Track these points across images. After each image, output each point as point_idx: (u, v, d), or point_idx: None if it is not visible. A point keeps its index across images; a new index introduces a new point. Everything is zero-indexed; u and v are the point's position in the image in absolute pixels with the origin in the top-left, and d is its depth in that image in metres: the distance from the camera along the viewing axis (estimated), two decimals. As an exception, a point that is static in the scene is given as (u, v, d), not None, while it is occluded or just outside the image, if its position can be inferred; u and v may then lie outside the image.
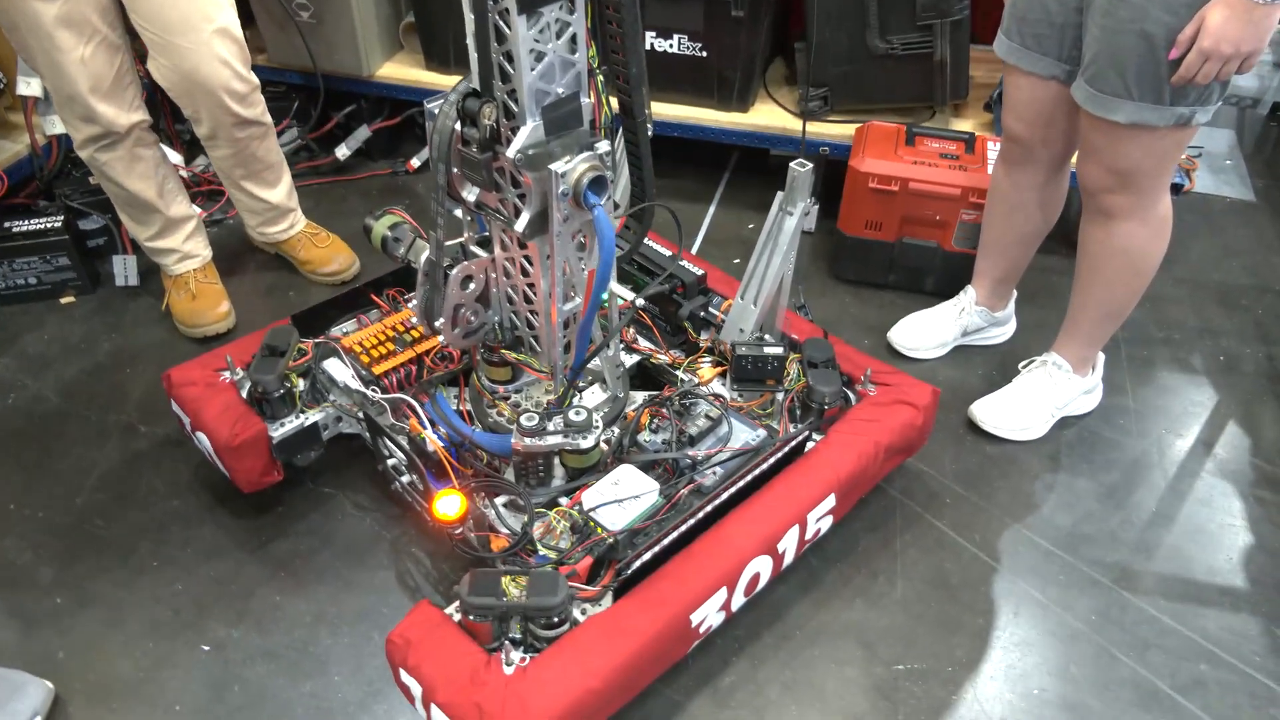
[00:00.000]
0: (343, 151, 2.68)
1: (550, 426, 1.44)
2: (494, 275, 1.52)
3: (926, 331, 2.06)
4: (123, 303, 2.20)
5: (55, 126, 2.19)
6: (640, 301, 1.47)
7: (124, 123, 1.87)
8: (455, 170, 1.36)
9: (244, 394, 1.63)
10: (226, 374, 1.66)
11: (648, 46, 2.35)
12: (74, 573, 1.60)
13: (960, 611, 1.56)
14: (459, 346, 1.59)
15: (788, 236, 1.61)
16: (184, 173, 2.46)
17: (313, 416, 1.65)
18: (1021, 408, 1.87)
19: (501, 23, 1.19)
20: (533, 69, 1.21)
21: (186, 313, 2.07)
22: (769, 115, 2.42)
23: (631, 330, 1.83)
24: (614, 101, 1.42)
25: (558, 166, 1.25)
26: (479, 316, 1.55)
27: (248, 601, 1.56)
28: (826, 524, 1.54)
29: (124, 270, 2.21)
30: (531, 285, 1.45)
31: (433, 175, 1.37)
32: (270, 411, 1.62)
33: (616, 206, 1.77)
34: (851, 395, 1.68)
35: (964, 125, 2.33)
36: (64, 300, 2.20)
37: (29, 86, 2.17)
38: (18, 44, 1.79)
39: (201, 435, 1.60)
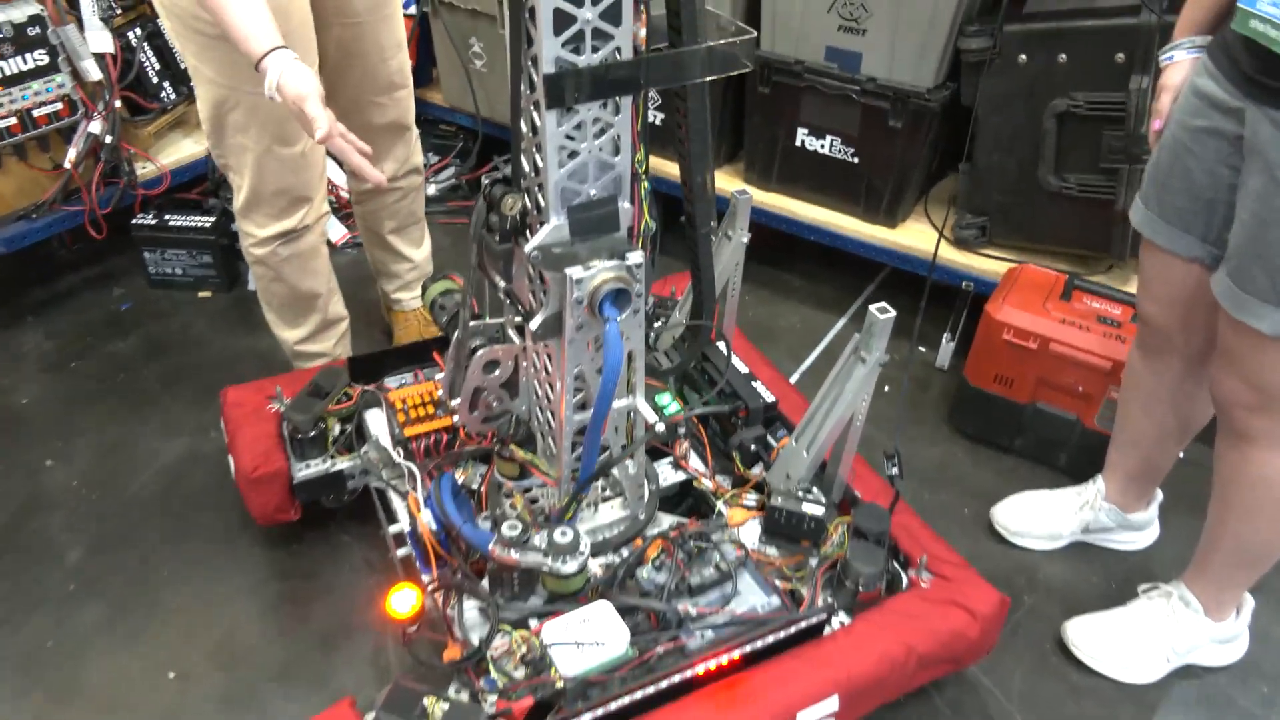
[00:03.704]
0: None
1: (535, 540, 1.33)
2: (524, 363, 1.44)
3: (1039, 516, 1.76)
4: (250, 306, 2.32)
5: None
6: (673, 416, 1.33)
7: (316, 215, 1.78)
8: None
9: (285, 427, 1.64)
10: (275, 403, 1.68)
11: (797, 142, 2.21)
12: (95, 563, 1.66)
13: None
14: (476, 431, 1.51)
15: (856, 385, 1.41)
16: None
17: (341, 464, 1.64)
18: (1130, 641, 1.53)
19: (535, 114, 1.11)
20: (561, 166, 1.11)
21: None
22: (918, 235, 2.19)
23: (686, 443, 1.68)
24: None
25: (574, 271, 1.15)
26: (502, 403, 1.47)
27: (230, 635, 1.55)
28: (825, 728, 1.31)
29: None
30: (553, 385, 1.35)
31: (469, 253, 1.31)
32: (299, 451, 1.62)
33: (649, 321, 1.65)
34: (903, 577, 1.44)
35: (1141, 286, 1.99)
36: (201, 294, 2.36)
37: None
38: (230, 146, 1.64)
39: (231, 459, 1.62)
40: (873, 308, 1.37)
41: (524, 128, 1.15)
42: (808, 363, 2.24)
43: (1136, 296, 1.48)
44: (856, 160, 2.15)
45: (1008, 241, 2.09)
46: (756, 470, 1.60)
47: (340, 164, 1.99)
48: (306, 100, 1.33)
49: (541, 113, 1.07)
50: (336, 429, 1.66)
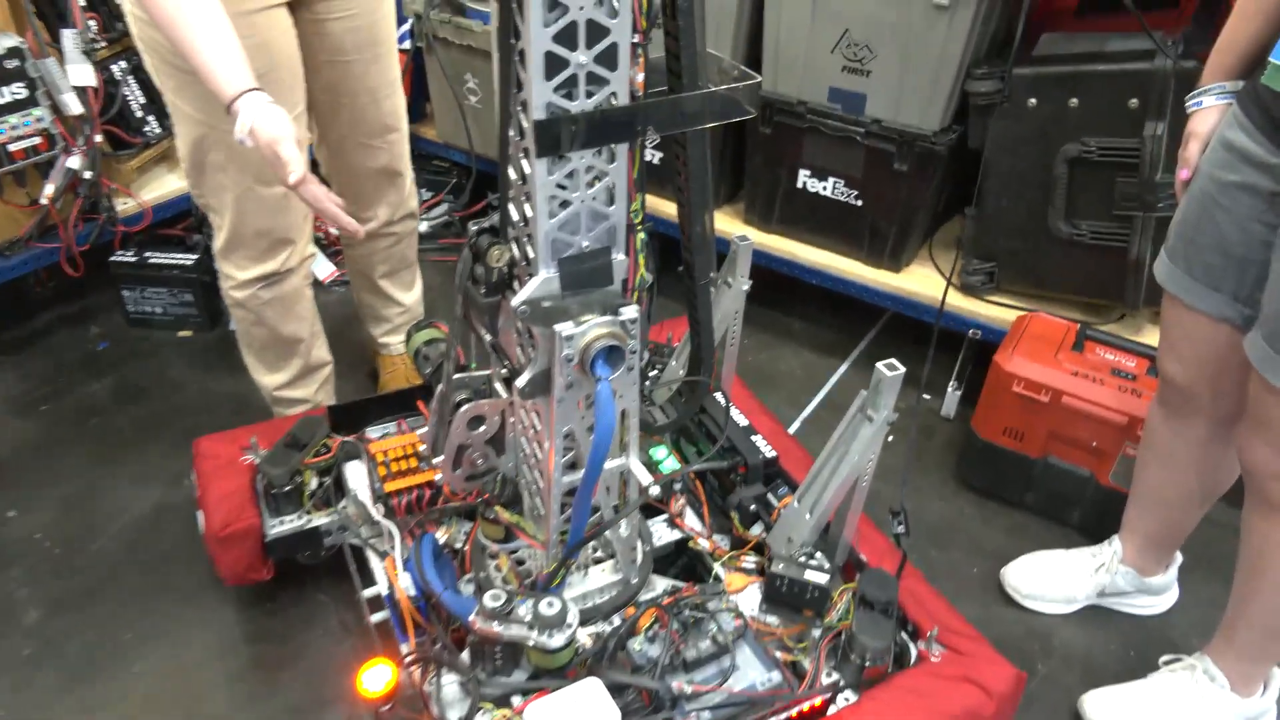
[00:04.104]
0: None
1: (519, 611, 1.24)
2: (511, 418, 1.36)
3: (1053, 578, 1.67)
4: (231, 346, 2.23)
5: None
6: (670, 475, 1.25)
7: (299, 258, 1.70)
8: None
9: (259, 481, 1.55)
10: (249, 455, 1.60)
11: (799, 183, 2.15)
12: (55, 625, 1.57)
13: None
14: (460, 490, 1.43)
15: (862, 446, 1.33)
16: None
17: (317, 520, 1.55)
18: (1152, 717, 1.44)
19: (524, 161, 1.04)
20: (552, 216, 1.04)
21: None
22: (923, 280, 2.13)
23: (683, 500, 1.60)
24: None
25: (564, 327, 1.08)
26: (488, 461, 1.38)
27: (196, 705, 1.45)
28: (831, 816, 1.21)
29: (236, 317, 2.27)
30: (541, 443, 1.27)
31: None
32: (274, 506, 1.53)
33: (643, 374, 1.57)
34: (912, 649, 1.35)
35: (1154, 338, 1.92)
36: (182, 334, 2.28)
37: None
38: (209, 185, 1.58)
39: (200, 515, 1.53)
40: (880, 365, 1.29)
41: (513, 175, 1.08)
42: (808, 410, 2.16)
43: (1158, 353, 1.41)
44: (860, 203, 2.09)
45: (1016, 288, 2.03)
46: (756, 531, 1.52)
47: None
48: (280, 143, 1.26)
49: (531, 160, 1.00)
50: (314, 483, 1.57)
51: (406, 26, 2.48)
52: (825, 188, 2.12)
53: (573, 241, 1.08)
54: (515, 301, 1.08)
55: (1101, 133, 1.76)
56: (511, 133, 1.05)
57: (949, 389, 2.10)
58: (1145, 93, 1.69)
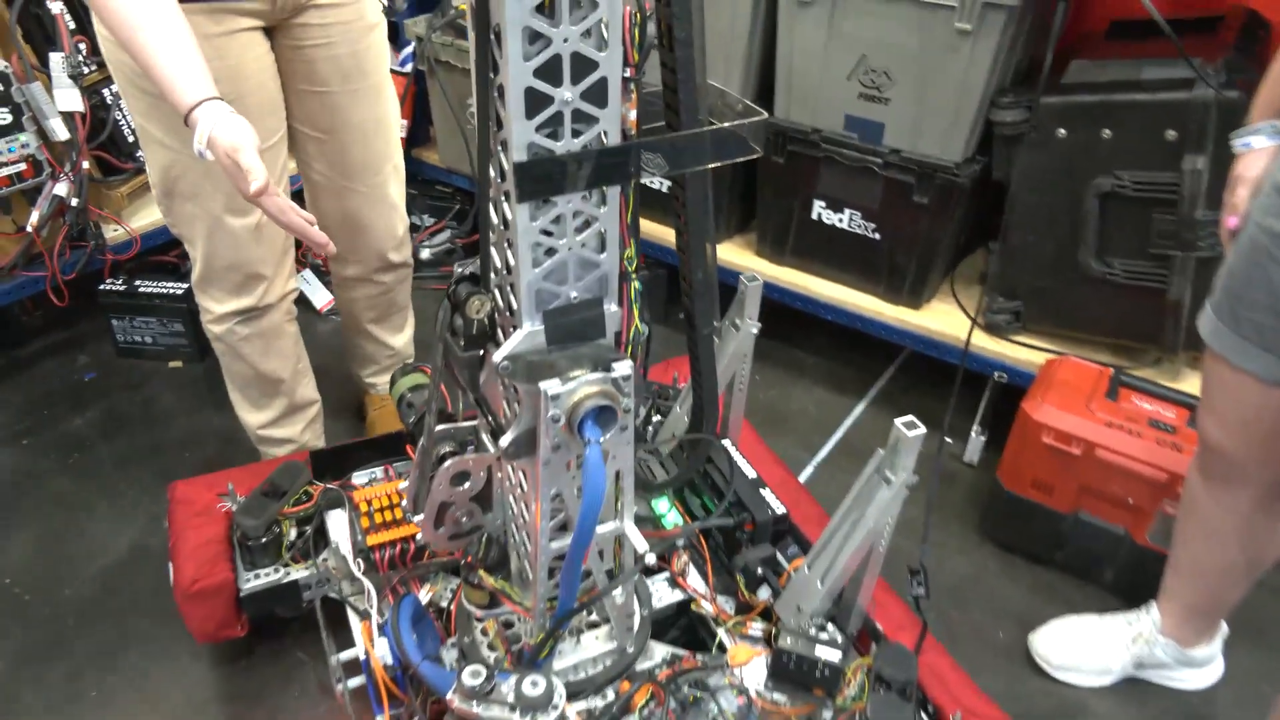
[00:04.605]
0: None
1: (501, 689, 1.14)
2: (498, 474, 1.26)
3: (1086, 648, 1.55)
4: (221, 380, 2.16)
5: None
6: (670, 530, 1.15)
7: (278, 294, 1.62)
8: (454, 356, 1.13)
9: (234, 532, 1.46)
10: (226, 502, 1.51)
11: (814, 215, 2.05)
12: (16, 679, 1.48)
13: None
14: (442, 549, 1.34)
15: (879, 510, 1.22)
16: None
17: (296, 573, 1.45)
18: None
19: (505, 205, 0.95)
20: (536, 265, 0.95)
21: None
22: (944, 318, 2.02)
23: (685, 557, 1.50)
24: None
25: (550, 385, 0.98)
26: (474, 519, 1.28)
27: (158, 773, 1.36)
28: None
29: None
30: (528, 504, 1.18)
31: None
32: (249, 559, 1.44)
33: (650, 422, 1.48)
34: (933, 735, 1.23)
35: (1194, 385, 1.80)
36: (172, 364, 2.20)
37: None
38: (180, 215, 1.50)
39: (171, 567, 1.44)
40: (899, 423, 1.18)
41: (494, 219, 0.99)
42: (823, 453, 2.05)
43: (1198, 415, 1.29)
44: (878, 236, 1.98)
45: (1043, 328, 1.91)
46: (763, 595, 1.41)
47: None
48: (240, 152, 1.16)
49: (513, 205, 0.91)
50: (293, 533, 1.48)
51: (409, 50, 2.42)
52: (841, 220, 2.02)
53: (560, 292, 0.98)
54: (497, 356, 0.98)
55: (1136, 166, 1.65)
56: (492, 174, 0.96)
57: (972, 433, 1.99)
58: (1184, 124, 1.58)
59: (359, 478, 1.59)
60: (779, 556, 1.43)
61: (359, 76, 1.55)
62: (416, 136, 2.66)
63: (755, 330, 1.50)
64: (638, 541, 1.17)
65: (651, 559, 1.15)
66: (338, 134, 1.58)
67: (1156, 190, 1.64)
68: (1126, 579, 1.67)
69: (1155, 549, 1.60)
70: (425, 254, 2.59)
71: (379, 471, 1.60)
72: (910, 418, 1.18)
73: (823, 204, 2.02)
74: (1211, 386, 1.23)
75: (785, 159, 2.01)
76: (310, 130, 1.58)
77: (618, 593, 1.27)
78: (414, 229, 2.65)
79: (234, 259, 1.53)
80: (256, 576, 1.44)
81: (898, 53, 1.78)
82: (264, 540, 1.44)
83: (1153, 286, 1.73)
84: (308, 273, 2.45)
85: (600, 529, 1.15)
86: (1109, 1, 2.00)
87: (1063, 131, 1.69)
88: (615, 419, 1.02)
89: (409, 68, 2.42)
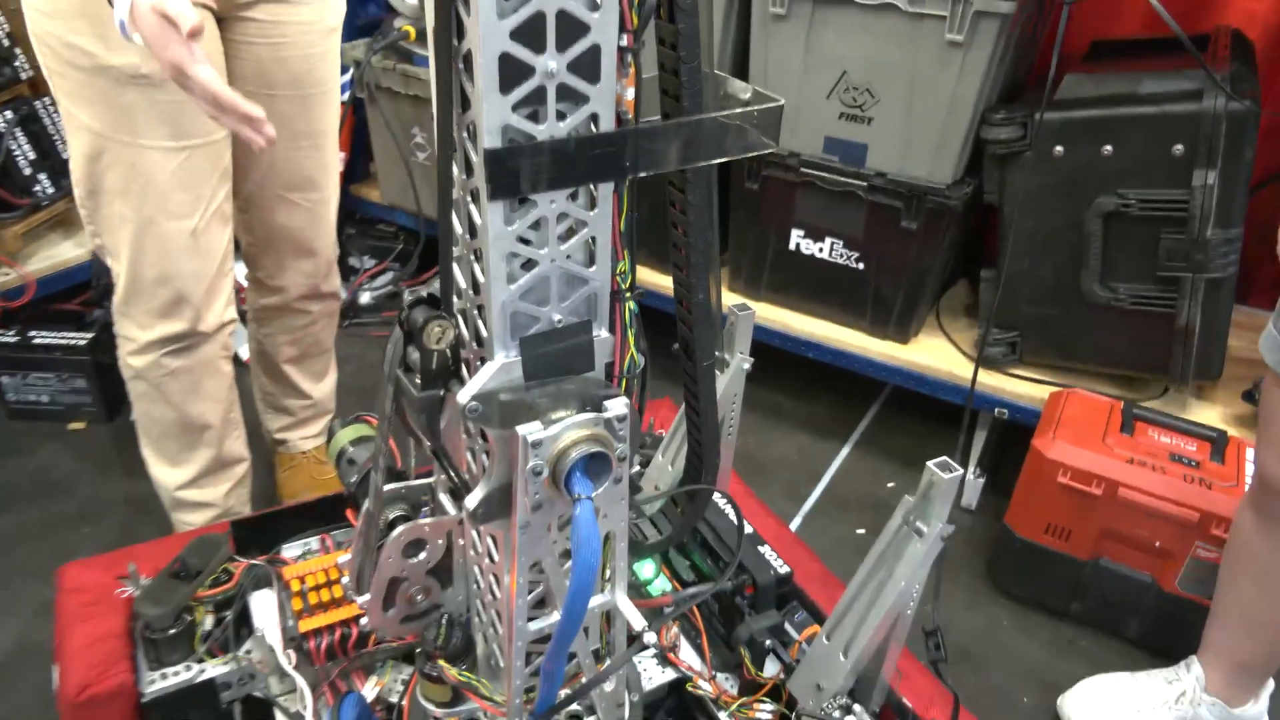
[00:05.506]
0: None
1: (468, 812, 0.92)
2: (461, 540, 1.06)
3: (1122, 709, 1.39)
4: (130, 442, 1.90)
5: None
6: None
7: (214, 322, 1.43)
8: (407, 399, 0.93)
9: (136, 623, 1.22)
10: (128, 586, 1.26)
11: (792, 245, 1.91)
12: None
13: None
14: (392, 635, 1.12)
15: (911, 568, 1.05)
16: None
17: (213, 670, 1.21)
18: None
19: (473, 207, 0.77)
20: (511, 280, 0.76)
21: None
22: (934, 352, 1.88)
23: (675, 629, 1.30)
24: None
25: (530, 430, 0.79)
26: (431, 597, 1.07)
27: None
28: None
29: (145, 405, 1.94)
30: (499, 577, 0.97)
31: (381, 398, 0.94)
32: (154, 655, 1.19)
33: (634, 490, 1.29)
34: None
35: (1208, 415, 1.69)
36: (72, 426, 1.94)
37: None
38: (105, 218, 1.34)
39: (55, 670, 1.19)
40: (932, 464, 1.02)
41: (458, 227, 0.81)
42: (810, 503, 1.88)
43: (1257, 450, 1.16)
44: (862, 266, 1.85)
45: (1042, 360, 1.79)
46: (771, 670, 1.21)
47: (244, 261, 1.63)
48: (165, 4, 0.98)
49: (482, 205, 0.73)
50: (209, 621, 1.24)
51: (347, 76, 2.23)
52: (822, 249, 1.88)
53: (540, 314, 0.79)
54: (463, 396, 0.79)
55: (1141, 184, 1.55)
56: (455, 170, 0.78)
57: (969, 475, 1.84)
58: (1191, 137, 1.48)
59: (290, 550, 1.36)
60: (787, 625, 1.24)
61: (311, 84, 1.41)
62: (355, 171, 2.47)
63: (747, 367, 1.34)
64: (634, 618, 0.97)
65: (651, 638, 0.95)
66: (282, 142, 1.41)
67: (1164, 208, 1.54)
68: (1154, 632, 1.53)
69: (1187, 597, 1.46)
70: (366, 298, 2.38)
71: (314, 542, 1.37)
72: (944, 459, 1.01)
73: (801, 233, 1.88)
74: (1273, 416, 1.10)
75: (760, 185, 1.87)
76: None
77: (607, 681, 1.06)
78: (354, 271, 2.45)
79: (163, 270, 1.34)
80: (163, 677, 1.19)
81: (881, 68, 1.66)
82: (172, 632, 1.19)
83: (1160, 312, 1.62)
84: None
85: (590, 604, 0.95)
86: (1088, 23, 1.93)
87: (1060, 149, 1.59)
88: (609, 469, 0.83)
89: (346, 95, 2.24)
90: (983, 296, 1.82)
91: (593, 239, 0.79)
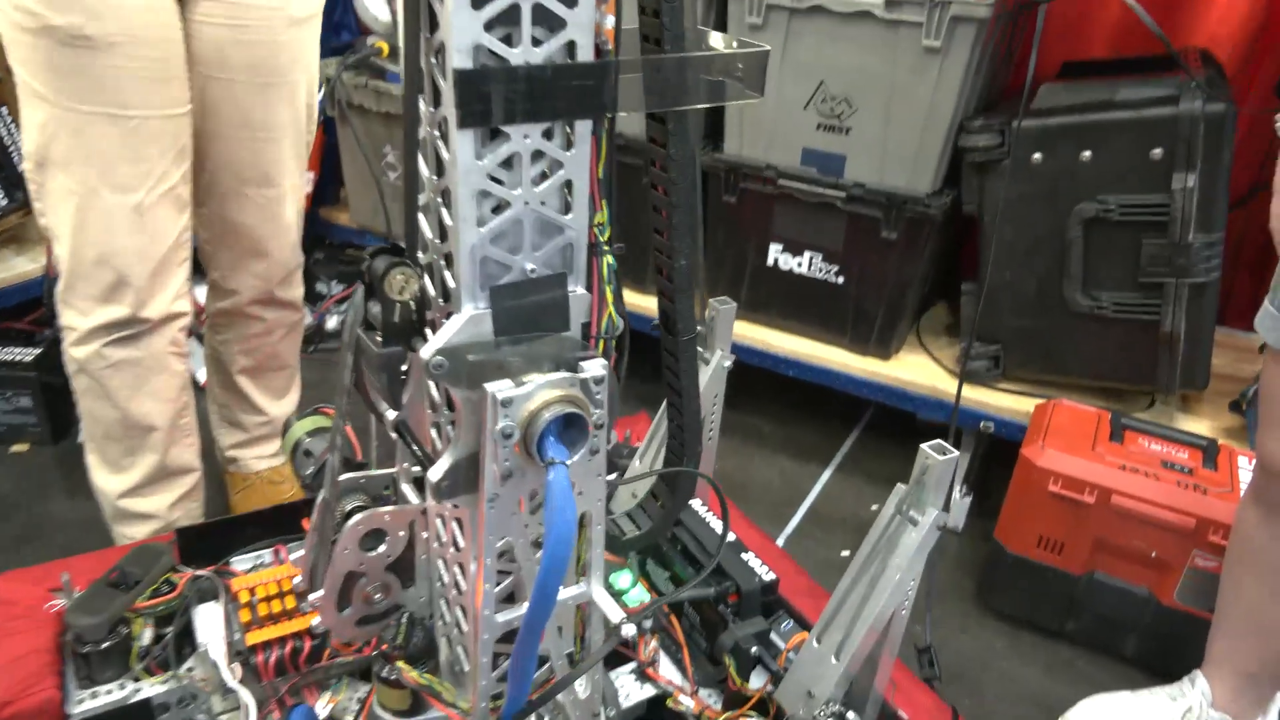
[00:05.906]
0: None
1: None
2: (423, 533, 0.98)
3: (1124, 731, 1.32)
4: (77, 464, 1.80)
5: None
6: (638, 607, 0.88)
7: (160, 310, 1.35)
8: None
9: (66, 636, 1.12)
10: (60, 598, 1.16)
11: (770, 260, 1.88)
12: None
13: None
14: (349, 638, 1.03)
15: (906, 559, 0.99)
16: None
17: (149, 689, 1.11)
18: None
19: (440, 142, 0.72)
20: (481, 223, 0.71)
21: None
22: (916, 368, 1.84)
23: (654, 642, 1.21)
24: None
25: (500, 388, 0.72)
26: (390, 596, 0.99)
27: None
28: None
29: (94, 426, 1.84)
30: (464, 567, 0.90)
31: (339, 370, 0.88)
32: (84, 672, 1.09)
33: (614, 473, 1.24)
34: None
35: (1196, 428, 1.66)
36: (16, 448, 1.84)
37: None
38: (51, 193, 1.28)
39: (-25, 688, 1.08)
40: (925, 446, 0.96)
41: (424, 169, 0.75)
42: (792, 525, 1.82)
43: (1258, 435, 1.12)
44: (842, 280, 1.82)
45: (1025, 373, 1.75)
46: (757, 682, 1.13)
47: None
48: None
49: (451, 136, 0.68)
50: (147, 635, 1.14)
51: (320, 94, 2.20)
52: (800, 264, 1.85)
53: (511, 263, 0.74)
54: (427, 352, 0.73)
55: (1121, 189, 1.54)
56: (422, 102, 0.73)
57: (955, 495, 1.79)
58: (1170, 141, 1.48)
59: (241, 563, 1.26)
60: (774, 634, 1.17)
61: (271, 72, 1.36)
62: (325, 194, 2.42)
63: (728, 364, 1.28)
64: (611, 610, 0.89)
65: (630, 630, 0.87)
66: (238, 129, 1.38)
67: (1145, 213, 1.53)
68: (1152, 648, 1.47)
69: (1186, 610, 1.41)
70: (333, 323, 2.31)
71: (267, 555, 1.28)
72: (939, 441, 0.96)
73: (779, 247, 1.85)
74: (1274, 396, 1.06)
75: (737, 198, 1.85)
76: (208, 117, 1.37)
77: (581, 684, 0.98)
78: (321, 296, 2.38)
79: (105, 248, 1.28)
80: (93, 695, 1.09)
81: (859, 77, 1.65)
82: (105, 645, 1.09)
83: (1144, 320, 1.60)
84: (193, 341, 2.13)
85: (562, 594, 0.88)
86: (1057, 45, 1.95)
87: (1039, 156, 1.58)
88: (585, 434, 0.76)
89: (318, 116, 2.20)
90: (964, 310, 1.80)
91: (569, 183, 0.74)
